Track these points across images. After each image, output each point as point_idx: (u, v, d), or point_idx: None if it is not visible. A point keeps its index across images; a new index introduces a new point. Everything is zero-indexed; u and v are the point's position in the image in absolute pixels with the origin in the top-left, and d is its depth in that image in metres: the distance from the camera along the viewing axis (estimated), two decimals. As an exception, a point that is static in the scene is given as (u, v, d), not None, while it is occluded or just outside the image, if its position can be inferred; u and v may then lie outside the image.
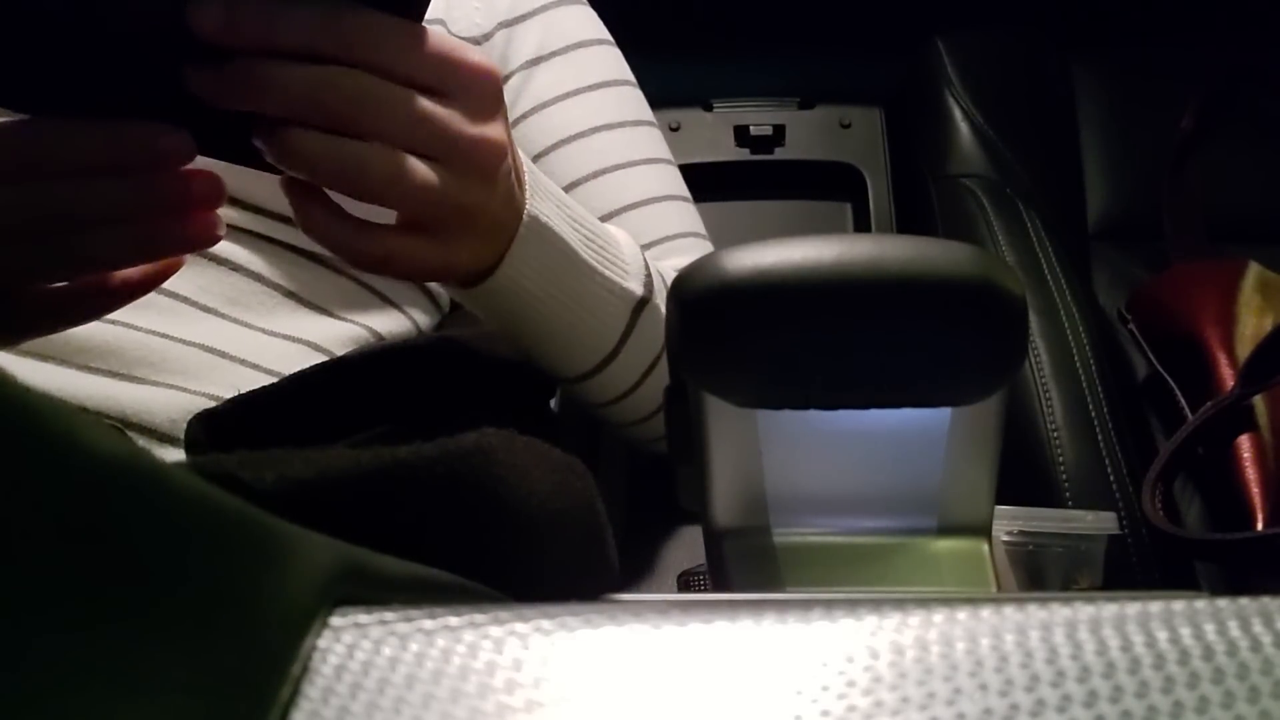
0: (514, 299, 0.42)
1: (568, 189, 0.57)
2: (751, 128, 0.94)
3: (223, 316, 0.47)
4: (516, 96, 0.58)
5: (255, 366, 0.47)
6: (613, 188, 0.57)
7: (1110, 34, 0.95)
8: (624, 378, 0.50)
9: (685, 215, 0.59)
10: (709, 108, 0.96)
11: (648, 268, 0.49)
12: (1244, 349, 0.69)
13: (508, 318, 0.44)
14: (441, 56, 0.33)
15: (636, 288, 0.48)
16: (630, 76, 0.61)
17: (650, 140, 0.60)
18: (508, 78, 0.58)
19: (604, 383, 0.50)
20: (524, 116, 0.58)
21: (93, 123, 0.31)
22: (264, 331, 0.48)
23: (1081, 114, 0.90)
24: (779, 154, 0.95)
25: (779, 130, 0.95)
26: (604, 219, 0.56)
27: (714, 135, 0.94)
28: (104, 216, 0.32)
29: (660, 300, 0.49)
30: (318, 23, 0.31)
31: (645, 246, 0.55)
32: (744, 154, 0.95)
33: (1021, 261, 0.76)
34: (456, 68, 0.34)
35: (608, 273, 0.46)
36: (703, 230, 0.60)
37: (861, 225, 0.94)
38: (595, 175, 0.57)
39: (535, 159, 0.58)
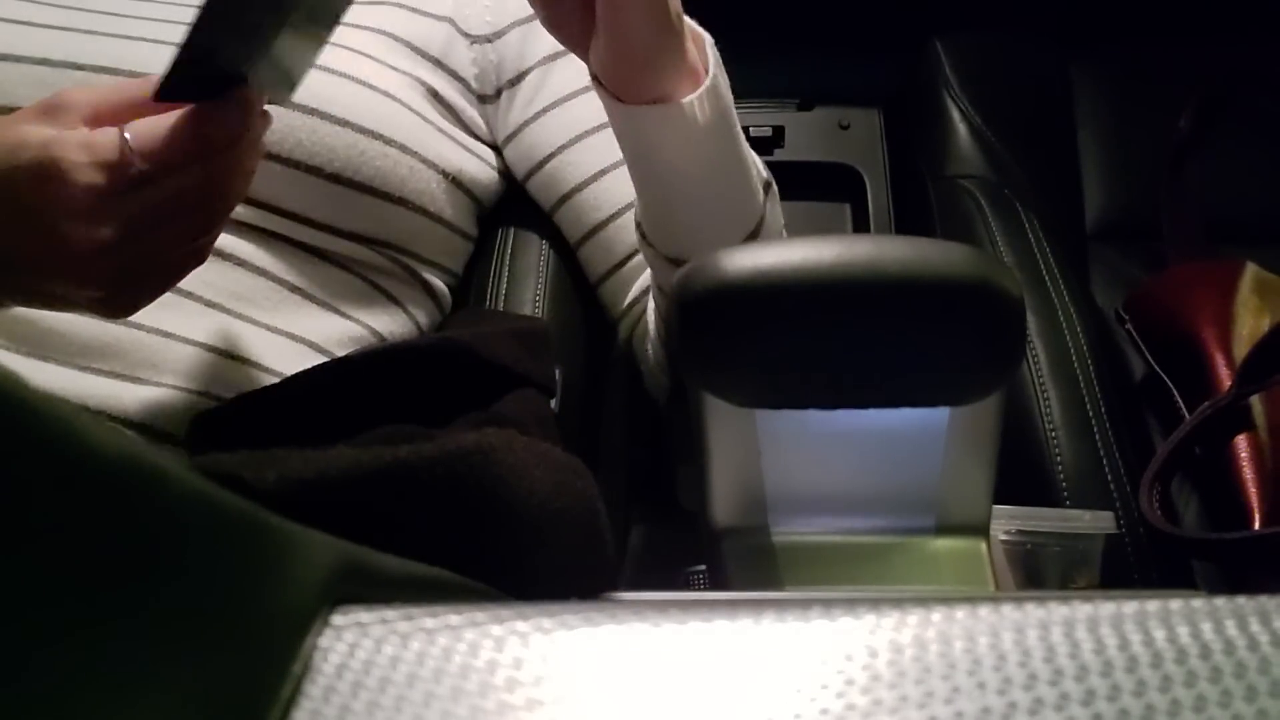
0: (694, 130, 0.45)
1: (592, 179, 0.58)
2: (751, 129, 0.94)
3: (228, 312, 0.47)
4: (535, 92, 0.59)
5: (257, 366, 0.47)
6: (624, 183, 0.57)
7: (1108, 35, 0.95)
8: None
9: None
10: (708, 108, 0.96)
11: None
12: (1241, 349, 0.69)
13: (679, 156, 0.46)
14: None
15: (760, 190, 0.51)
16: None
17: None
18: (526, 74, 0.59)
19: None
20: (544, 111, 0.59)
21: (230, 103, 0.36)
22: (268, 328, 0.48)
23: (1079, 115, 0.90)
24: (778, 155, 0.95)
25: (778, 131, 0.95)
26: (629, 206, 0.57)
27: (713, 136, 0.94)
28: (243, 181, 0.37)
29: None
30: None
31: None
32: (743, 154, 0.95)
33: (1019, 262, 0.76)
34: None
35: (749, 160, 0.50)
36: None
37: (860, 226, 0.94)
38: (618, 164, 0.58)
39: (558, 151, 0.58)
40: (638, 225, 0.52)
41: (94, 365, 0.43)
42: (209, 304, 0.47)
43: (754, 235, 0.50)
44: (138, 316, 0.44)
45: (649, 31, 0.42)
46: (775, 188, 0.54)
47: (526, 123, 0.59)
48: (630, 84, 0.43)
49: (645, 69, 0.43)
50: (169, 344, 0.45)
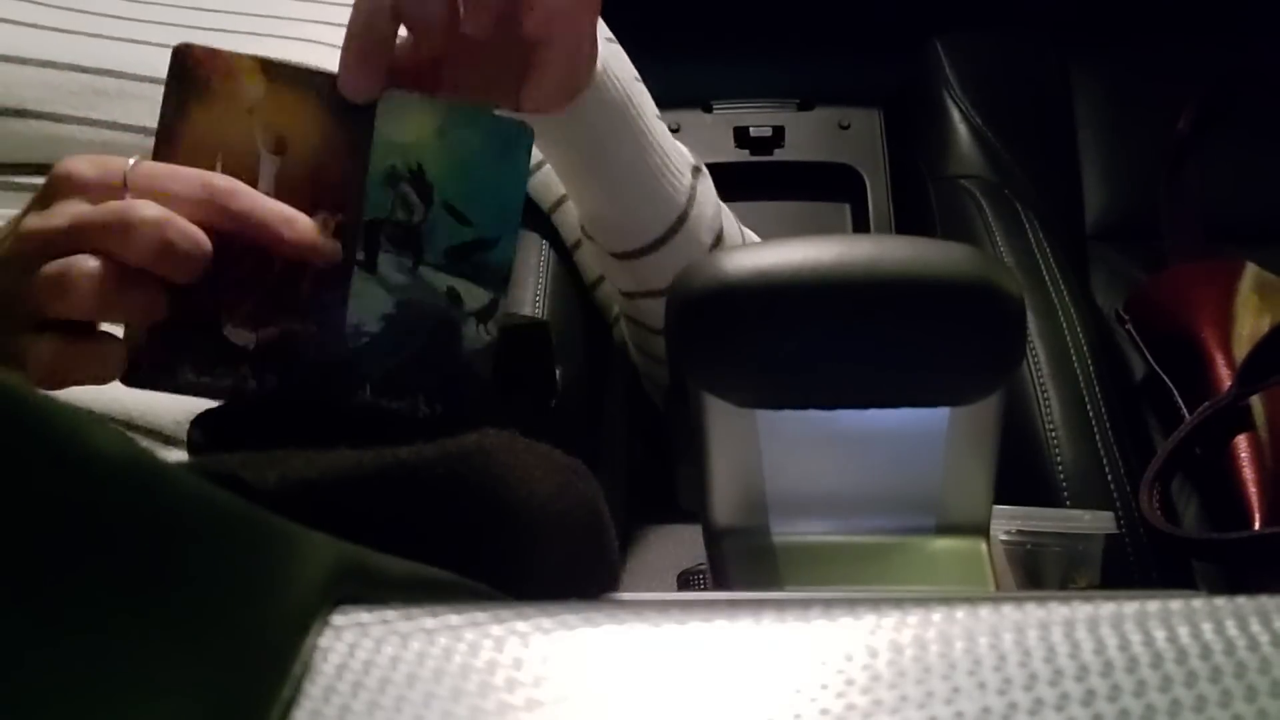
0: (593, 130, 0.46)
1: None
2: (751, 129, 0.94)
3: None
4: None
5: None
6: None
7: (1108, 35, 0.95)
8: (674, 263, 0.51)
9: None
10: (709, 109, 0.96)
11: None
12: (1241, 349, 0.69)
13: (589, 153, 0.47)
14: None
15: (687, 173, 0.51)
16: (635, 72, 0.62)
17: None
18: None
19: (657, 263, 0.51)
20: None
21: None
22: None
23: (1079, 115, 0.90)
24: (778, 155, 0.95)
25: (778, 131, 0.95)
26: None
27: (713, 136, 0.94)
28: None
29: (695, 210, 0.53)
30: None
31: None
32: (744, 155, 0.95)
33: (1020, 262, 0.76)
34: None
35: (666, 146, 0.50)
36: (724, 206, 0.62)
37: (860, 226, 0.94)
38: None
39: (544, 163, 0.58)
40: (587, 236, 0.53)
41: None
42: None
43: (687, 211, 0.51)
44: None
45: (587, 60, 0.42)
46: (704, 169, 0.55)
47: None
48: (570, 98, 0.43)
49: (583, 84, 0.43)
50: None
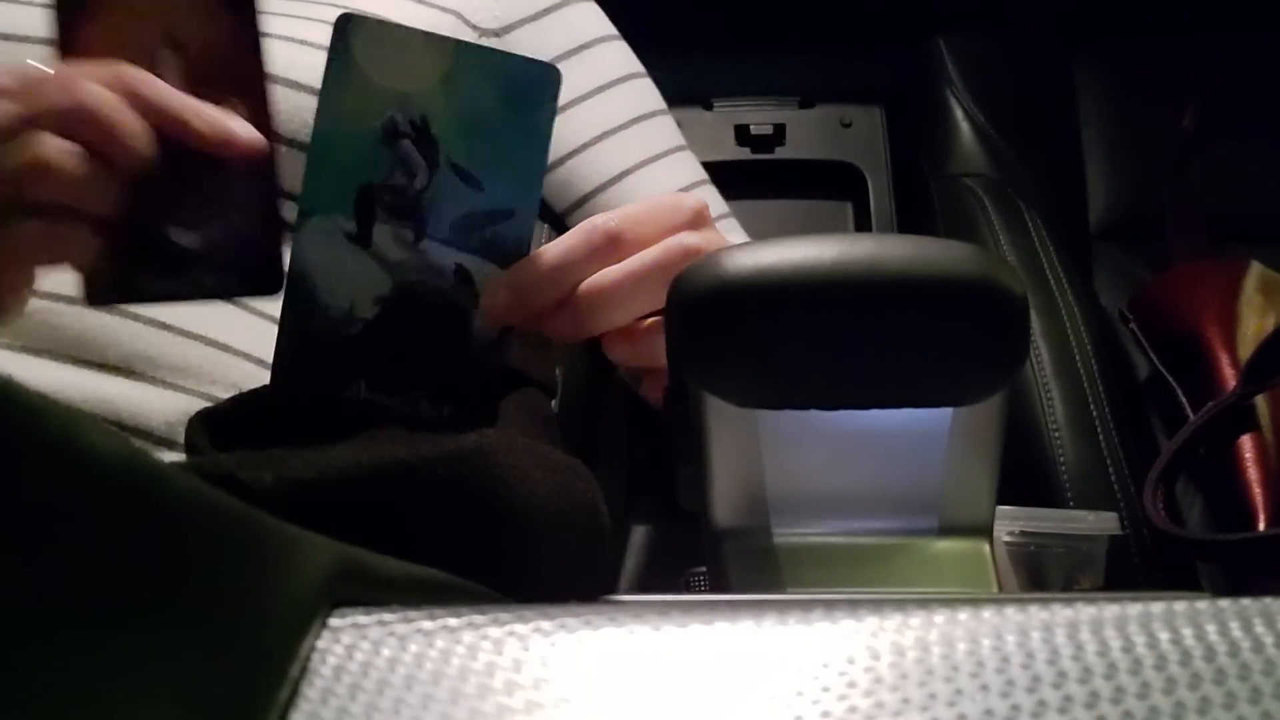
0: None
1: (597, 191, 0.58)
2: (752, 127, 0.94)
3: (232, 302, 0.47)
4: None
5: (259, 362, 0.46)
6: (646, 184, 0.58)
7: (1112, 33, 0.95)
8: None
9: (712, 198, 0.61)
10: (709, 107, 0.96)
11: None
12: (1245, 349, 0.69)
13: None
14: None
15: None
16: (640, 67, 0.62)
17: (667, 129, 0.61)
18: None
19: None
20: (562, 110, 0.59)
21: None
22: (270, 319, 0.48)
23: (1083, 113, 0.90)
24: (779, 153, 0.95)
25: (779, 129, 0.95)
26: None
27: (714, 134, 0.94)
28: None
29: None
30: None
31: None
32: (744, 153, 0.95)
33: (1023, 261, 0.75)
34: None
35: None
36: (727, 207, 0.61)
37: (862, 225, 0.93)
38: (642, 164, 0.58)
39: (579, 150, 0.58)
40: None
41: (85, 358, 0.43)
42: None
43: None
44: (134, 307, 0.44)
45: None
46: None
47: None
48: None
49: None
50: (167, 337, 0.45)
